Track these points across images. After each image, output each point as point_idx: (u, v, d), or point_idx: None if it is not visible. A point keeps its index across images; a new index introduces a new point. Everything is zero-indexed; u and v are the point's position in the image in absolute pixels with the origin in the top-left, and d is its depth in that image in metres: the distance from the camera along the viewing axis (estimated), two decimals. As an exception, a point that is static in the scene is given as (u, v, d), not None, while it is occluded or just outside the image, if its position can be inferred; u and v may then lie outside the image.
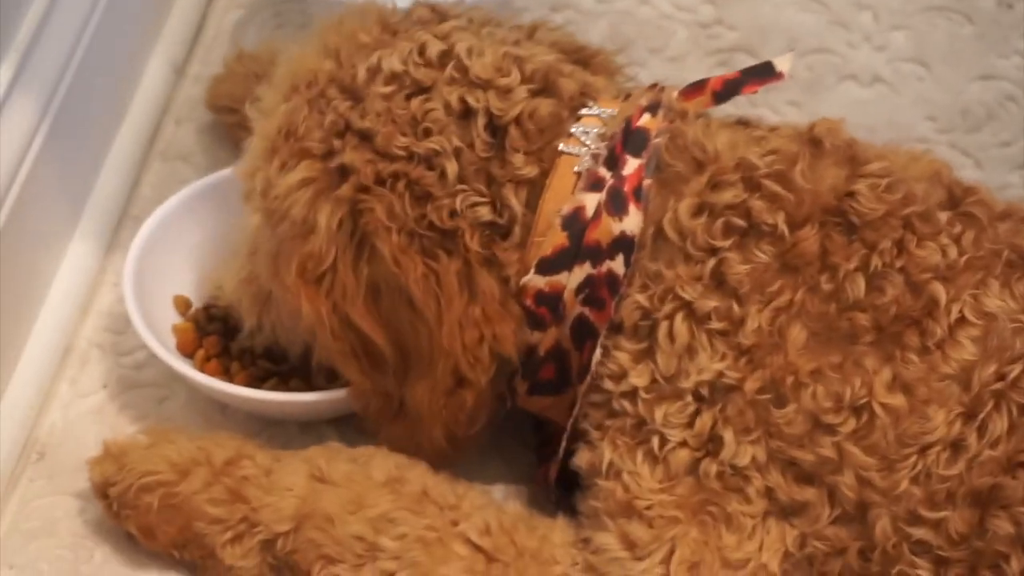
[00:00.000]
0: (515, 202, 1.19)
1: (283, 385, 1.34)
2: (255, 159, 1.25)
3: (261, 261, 1.26)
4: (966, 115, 1.60)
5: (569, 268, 1.18)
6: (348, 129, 1.20)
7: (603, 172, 1.19)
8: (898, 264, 1.14)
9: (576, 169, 1.19)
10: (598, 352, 1.18)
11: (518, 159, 1.19)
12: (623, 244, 1.17)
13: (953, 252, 1.14)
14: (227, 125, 1.54)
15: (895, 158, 1.21)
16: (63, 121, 1.42)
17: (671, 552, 1.13)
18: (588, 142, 1.20)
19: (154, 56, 1.61)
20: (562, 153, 1.20)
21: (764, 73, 1.24)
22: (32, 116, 1.38)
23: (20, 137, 1.37)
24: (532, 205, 1.20)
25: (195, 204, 1.41)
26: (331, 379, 1.32)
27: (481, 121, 1.20)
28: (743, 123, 1.23)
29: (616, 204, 1.17)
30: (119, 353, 1.41)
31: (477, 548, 1.17)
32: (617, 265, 1.17)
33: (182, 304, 1.40)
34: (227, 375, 1.35)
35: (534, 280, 1.19)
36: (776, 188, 1.16)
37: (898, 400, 1.12)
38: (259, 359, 1.36)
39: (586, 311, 1.18)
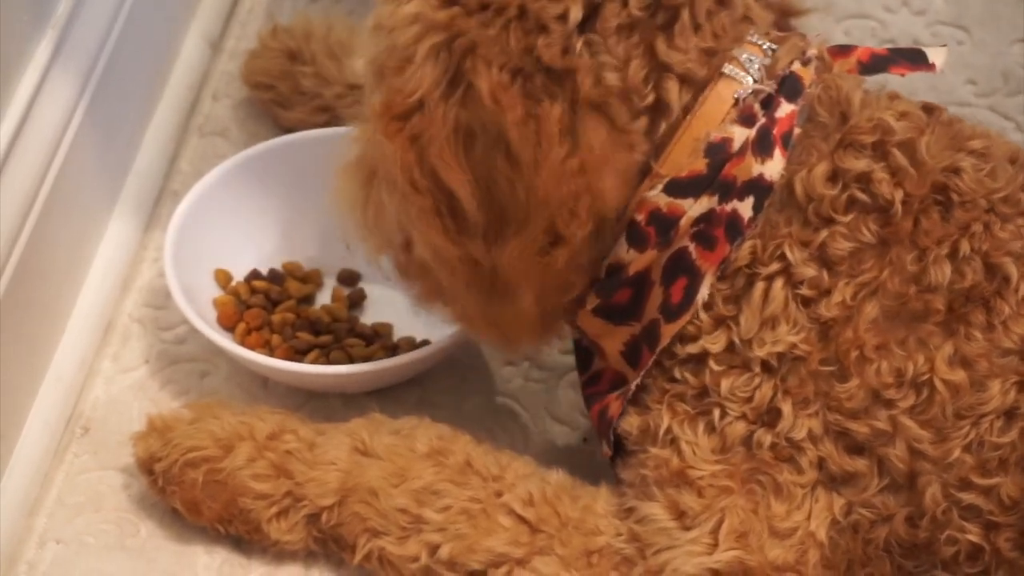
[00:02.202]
0: (676, 100, 1.12)
1: (324, 358, 1.34)
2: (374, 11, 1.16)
3: (364, 118, 1.18)
4: (1007, 78, 1.59)
5: (696, 196, 1.12)
6: None
7: (757, 109, 1.13)
8: (983, 248, 1.12)
9: (736, 95, 1.13)
10: (705, 292, 1.13)
11: (692, 50, 1.12)
12: (758, 187, 1.12)
13: None
14: (263, 100, 1.54)
15: (993, 138, 1.18)
16: (101, 98, 1.43)
17: (720, 522, 1.13)
18: (752, 70, 1.14)
19: (190, 32, 1.61)
20: (723, 74, 1.14)
21: (915, 59, 1.21)
22: (71, 93, 1.39)
23: (59, 114, 1.37)
24: (688, 110, 1.13)
25: (235, 177, 1.41)
26: (378, 343, 1.33)
27: None
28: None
29: (763, 145, 1.12)
30: (160, 328, 1.41)
31: (521, 519, 1.17)
32: (744, 207, 1.12)
33: (223, 277, 1.40)
34: (268, 348, 1.35)
35: (658, 197, 1.13)
36: (903, 161, 1.12)
37: (959, 376, 1.10)
38: (300, 331, 1.36)
39: (691, 246, 1.13)
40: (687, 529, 1.14)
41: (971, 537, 1.10)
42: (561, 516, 1.17)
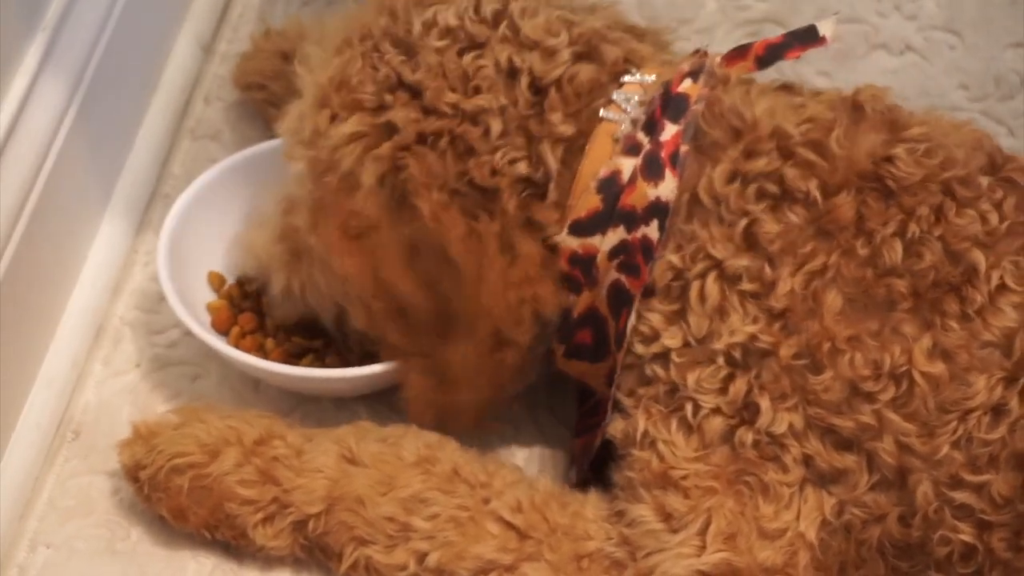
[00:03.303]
0: (551, 159, 1.19)
1: (319, 361, 1.34)
2: (303, 107, 1.24)
3: (300, 213, 1.25)
4: (999, 83, 1.59)
5: (603, 231, 1.18)
6: (400, 84, 1.20)
7: (641, 137, 1.18)
8: (936, 232, 1.13)
9: (615, 136, 1.19)
10: (633, 316, 1.18)
11: (555, 117, 1.19)
12: (658, 209, 1.17)
13: (994, 218, 1.14)
14: (255, 102, 1.54)
15: (937, 124, 1.20)
16: (92, 101, 1.43)
17: (707, 523, 1.13)
18: (629, 109, 1.20)
19: (182, 35, 1.61)
20: (602, 119, 1.20)
21: (807, 38, 1.24)
22: (62, 96, 1.39)
23: (50, 117, 1.37)
24: (568, 164, 1.19)
25: (228, 180, 1.41)
26: (364, 352, 1.32)
27: (524, 80, 1.19)
28: (786, 88, 1.22)
29: (652, 169, 1.17)
30: (152, 332, 1.41)
31: (509, 526, 1.17)
32: (652, 231, 1.17)
33: (216, 280, 1.40)
34: (262, 352, 1.35)
35: (567, 241, 1.19)
36: (810, 156, 1.15)
37: (938, 368, 1.11)
38: (294, 336, 1.36)
39: (622, 278, 1.18)
40: (675, 531, 1.14)
41: (964, 537, 1.11)
42: (550, 522, 1.17)
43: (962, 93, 1.58)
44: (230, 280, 1.41)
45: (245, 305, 1.38)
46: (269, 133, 1.51)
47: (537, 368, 1.25)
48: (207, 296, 1.39)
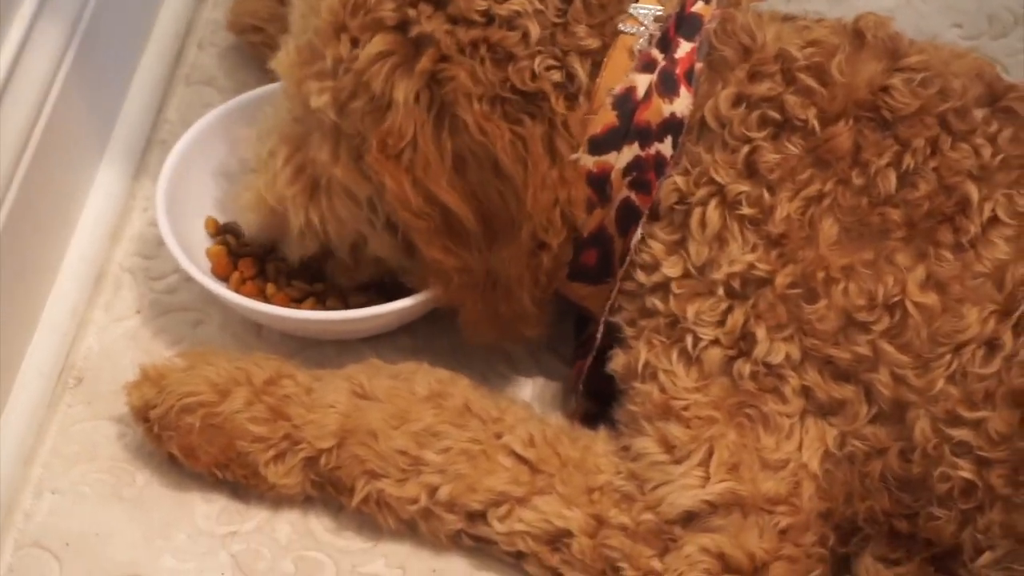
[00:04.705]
0: (581, 72, 1.19)
1: (320, 305, 1.34)
2: (317, 38, 1.21)
3: (318, 145, 1.24)
4: (992, 21, 1.60)
5: (618, 148, 1.19)
6: None
7: (656, 54, 1.19)
8: (931, 164, 1.14)
9: (634, 48, 1.20)
10: (638, 234, 1.19)
11: (581, 30, 1.19)
12: (672, 126, 1.18)
13: (987, 152, 1.14)
14: (251, 46, 1.53)
15: (937, 53, 1.20)
16: (88, 48, 1.42)
17: (709, 454, 1.14)
18: (646, 23, 1.20)
19: (174, -19, 1.60)
20: (620, 32, 1.20)
21: None
22: (58, 43, 1.38)
23: (47, 65, 1.36)
24: (594, 78, 1.20)
25: (224, 126, 1.41)
26: (374, 289, 1.33)
27: None
28: (791, 19, 1.23)
29: (667, 86, 1.18)
30: (151, 278, 1.41)
31: (521, 459, 1.18)
32: (665, 147, 1.18)
33: (212, 225, 1.40)
34: (263, 297, 1.35)
35: (584, 160, 1.19)
36: (810, 82, 1.16)
37: (931, 299, 1.12)
38: (294, 280, 1.36)
39: (632, 195, 1.19)
40: (677, 462, 1.15)
41: (963, 473, 1.11)
42: (561, 456, 1.18)
43: (956, 32, 1.59)
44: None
45: (244, 251, 1.38)
46: (265, 77, 1.50)
47: (559, 278, 1.24)
48: (205, 242, 1.39)
